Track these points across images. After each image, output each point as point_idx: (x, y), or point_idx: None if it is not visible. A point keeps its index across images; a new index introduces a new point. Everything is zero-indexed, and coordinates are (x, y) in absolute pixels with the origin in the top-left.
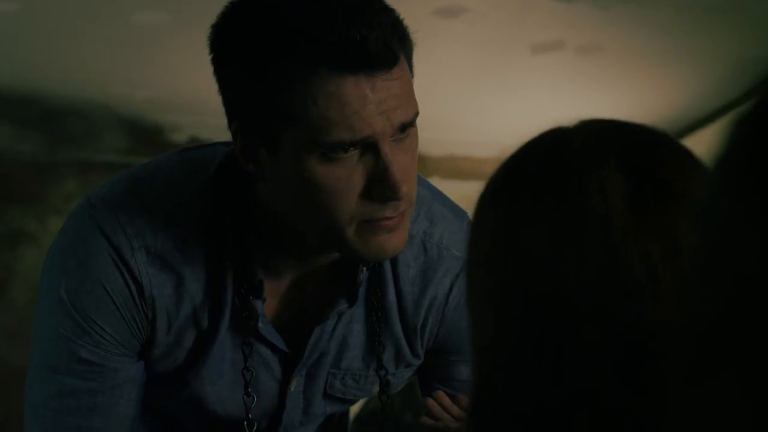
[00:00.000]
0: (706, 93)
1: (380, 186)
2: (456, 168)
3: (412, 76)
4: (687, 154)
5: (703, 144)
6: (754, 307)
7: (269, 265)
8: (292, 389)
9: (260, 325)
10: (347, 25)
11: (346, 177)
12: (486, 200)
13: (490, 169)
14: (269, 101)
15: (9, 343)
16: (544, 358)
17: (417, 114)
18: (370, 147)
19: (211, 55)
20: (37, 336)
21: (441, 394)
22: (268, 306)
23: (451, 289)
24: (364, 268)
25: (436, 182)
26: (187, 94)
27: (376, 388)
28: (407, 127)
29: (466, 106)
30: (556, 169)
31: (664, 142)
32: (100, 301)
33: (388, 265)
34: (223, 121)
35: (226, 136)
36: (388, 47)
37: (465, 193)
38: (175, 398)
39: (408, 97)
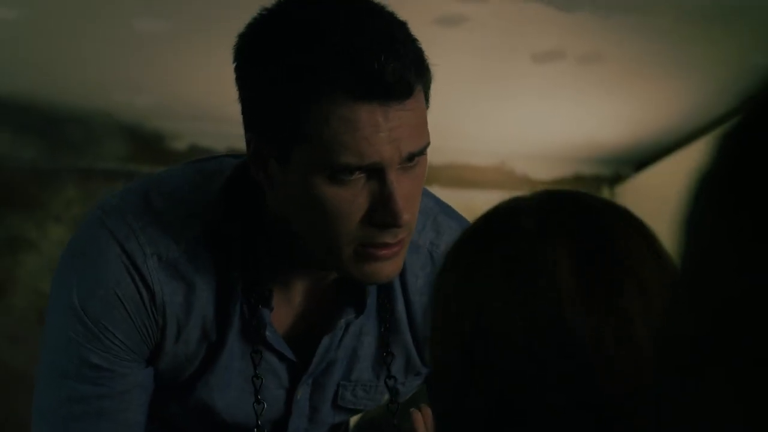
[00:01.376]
0: (707, 101)
1: (382, 212)
2: (456, 176)
3: (428, 107)
4: (638, 228)
5: (703, 153)
6: (741, 321)
7: (278, 275)
8: (299, 397)
9: (267, 333)
10: (366, 53)
11: (350, 199)
12: (446, 268)
13: (490, 178)
14: (284, 117)
15: (9, 346)
16: (507, 428)
17: (427, 145)
18: (376, 173)
19: (235, 63)
20: (47, 342)
21: (429, 413)
22: (277, 316)
23: None
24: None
25: (436, 190)
26: (188, 101)
27: (386, 397)
28: (416, 156)
29: (466, 115)
30: (510, 242)
31: (616, 217)
32: (111, 307)
33: (396, 277)
34: (223, 128)
35: (225, 143)
36: (404, 79)
37: (465, 202)
38: (183, 406)
39: (420, 128)
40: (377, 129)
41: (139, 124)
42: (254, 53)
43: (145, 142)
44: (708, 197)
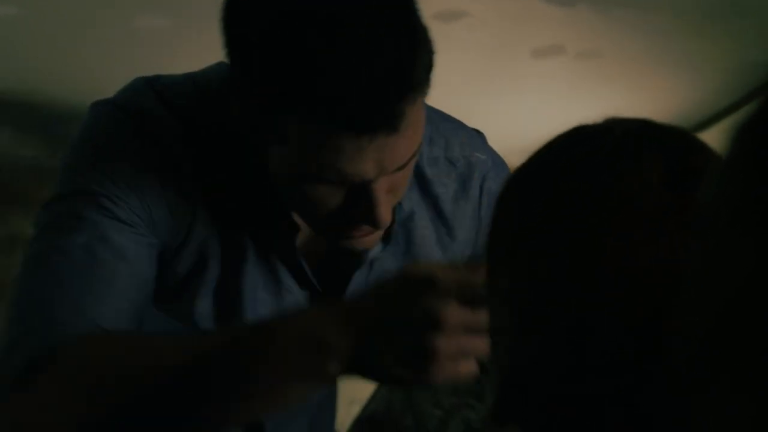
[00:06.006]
0: (705, 97)
1: (361, 215)
2: None
3: (426, 94)
4: (710, 148)
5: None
6: (755, 314)
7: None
8: None
9: (298, 258)
10: (353, 90)
11: (327, 197)
12: (517, 184)
13: None
14: (268, 120)
15: None
16: (572, 348)
17: (419, 148)
18: (359, 183)
19: (223, 17)
20: (49, 209)
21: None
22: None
23: (481, 190)
24: (401, 205)
25: None
26: None
27: None
28: (406, 164)
29: (465, 110)
30: (595, 153)
31: (690, 136)
32: (144, 171)
33: (415, 199)
34: None
35: None
36: (392, 115)
37: None
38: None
39: (411, 141)
40: (361, 153)
41: None
42: (255, 30)
43: None
44: (724, 189)
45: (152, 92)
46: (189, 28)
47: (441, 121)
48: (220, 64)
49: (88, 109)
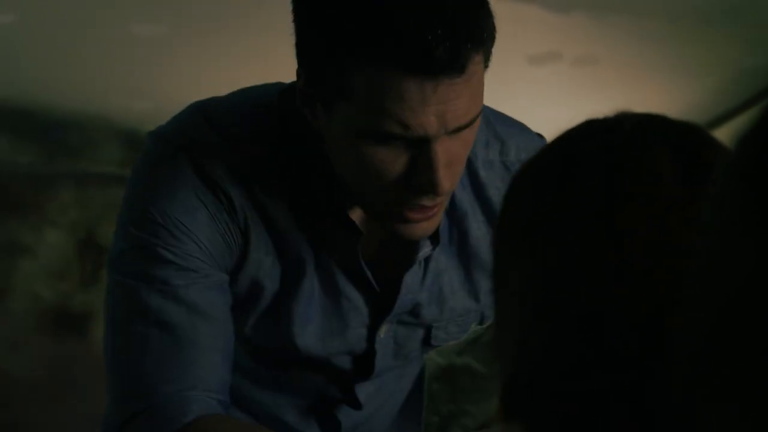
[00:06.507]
0: (702, 103)
1: (421, 178)
2: None
3: (488, 66)
4: (720, 142)
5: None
6: (754, 315)
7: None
8: (382, 336)
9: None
10: (418, 29)
11: (390, 161)
12: (529, 176)
13: None
14: (331, 71)
15: (6, 353)
16: (581, 337)
17: (478, 115)
18: (420, 140)
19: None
20: (116, 265)
21: None
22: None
23: None
24: (455, 203)
25: None
26: (185, 106)
27: (474, 325)
28: (464, 128)
29: None
30: (604, 147)
31: (702, 131)
32: (194, 209)
33: (469, 200)
34: None
35: None
36: (458, 56)
37: None
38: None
39: (472, 100)
40: (424, 102)
41: (137, 129)
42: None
43: None
44: (725, 192)
45: (201, 117)
46: (186, 35)
47: (499, 123)
48: (265, 84)
49: (146, 138)
